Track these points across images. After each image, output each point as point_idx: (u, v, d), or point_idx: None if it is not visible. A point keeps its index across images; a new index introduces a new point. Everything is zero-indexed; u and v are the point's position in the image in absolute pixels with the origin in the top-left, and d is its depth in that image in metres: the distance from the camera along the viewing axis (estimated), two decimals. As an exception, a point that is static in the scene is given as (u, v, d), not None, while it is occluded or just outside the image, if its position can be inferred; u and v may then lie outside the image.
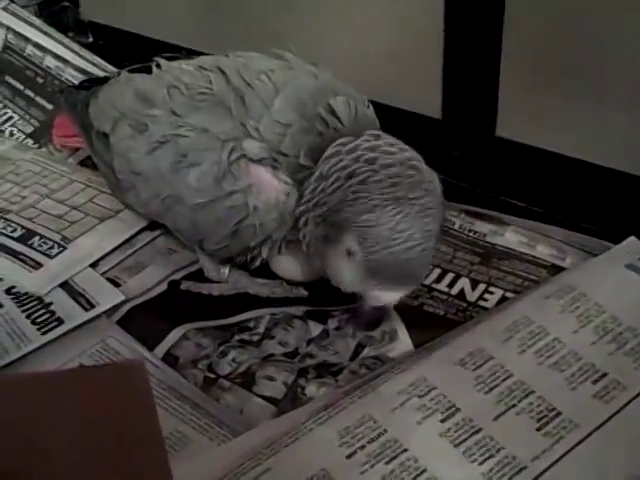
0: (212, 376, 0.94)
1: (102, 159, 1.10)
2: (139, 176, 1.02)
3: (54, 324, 1.00)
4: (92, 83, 1.20)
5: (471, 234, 1.14)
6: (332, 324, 1.01)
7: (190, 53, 1.13)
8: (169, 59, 1.07)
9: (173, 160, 0.96)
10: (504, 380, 0.85)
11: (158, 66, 1.05)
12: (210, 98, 0.96)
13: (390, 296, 0.90)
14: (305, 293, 1.05)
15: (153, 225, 1.15)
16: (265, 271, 1.07)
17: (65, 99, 1.23)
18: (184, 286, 1.07)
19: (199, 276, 1.08)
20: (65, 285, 1.07)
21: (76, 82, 1.39)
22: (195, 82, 0.98)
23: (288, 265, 1.05)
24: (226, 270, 1.06)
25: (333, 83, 0.97)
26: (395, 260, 0.85)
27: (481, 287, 1.05)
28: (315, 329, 1.00)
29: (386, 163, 0.87)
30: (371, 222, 0.85)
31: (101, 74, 1.41)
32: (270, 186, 0.93)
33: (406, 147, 0.90)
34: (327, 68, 1.00)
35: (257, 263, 1.01)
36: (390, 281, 0.88)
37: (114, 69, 1.43)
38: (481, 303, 1.03)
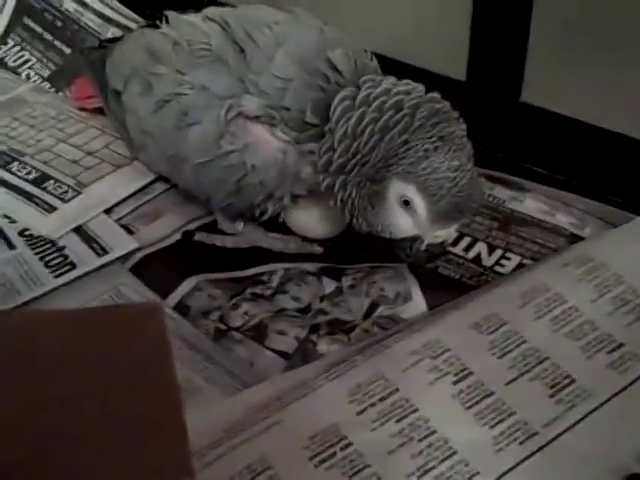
0: (224, 328, 0.94)
1: (117, 118, 1.10)
2: (147, 135, 1.02)
3: (67, 268, 0.99)
4: (111, 43, 1.18)
5: (490, 199, 1.13)
6: (346, 282, 1.00)
7: (213, 4, 1.11)
8: (181, 11, 1.05)
9: (175, 119, 0.96)
10: (518, 346, 0.85)
11: (167, 21, 1.03)
12: (209, 54, 0.95)
13: (449, 231, 0.90)
14: (320, 250, 1.05)
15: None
16: (281, 226, 1.06)
17: (85, 58, 1.21)
18: (198, 237, 1.07)
19: (213, 228, 1.08)
20: (79, 230, 1.06)
21: (95, 27, 1.37)
22: (195, 37, 0.97)
23: (304, 221, 1.04)
24: (241, 223, 1.06)
25: (339, 38, 0.95)
26: (456, 195, 0.85)
27: (498, 252, 1.04)
28: (329, 286, 0.99)
29: (413, 104, 0.87)
30: (429, 169, 0.84)
31: (121, 20, 1.39)
32: (267, 145, 0.92)
33: (407, 81, 0.90)
34: (337, 26, 0.98)
35: (265, 217, 1.00)
36: (453, 218, 0.88)
37: (134, 15, 1.41)
38: (497, 269, 1.02)
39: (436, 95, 0.89)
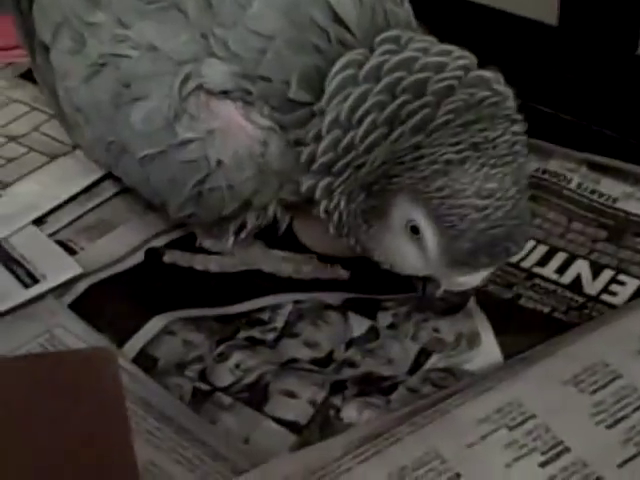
0: (206, 388, 0.94)
1: (45, 81, 1.12)
2: (79, 112, 1.03)
3: (-20, 304, 1.01)
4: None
5: (595, 197, 1.14)
6: (384, 320, 1.01)
7: None
8: None
9: (114, 91, 0.97)
10: (636, 410, 0.85)
11: None
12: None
13: (474, 278, 0.90)
14: (345, 274, 1.06)
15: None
16: (288, 238, 1.07)
17: None
18: (168, 258, 1.08)
19: (190, 244, 1.09)
20: (-3, 249, 1.09)
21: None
22: None
23: (317, 232, 1.05)
24: (230, 237, 1.07)
25: None
26: (485, 234, 0.84)
27: (607, 274, 1.05)
28: (358, 326, 1.00)
29: (442, 87, 0.85)
30: (447, 190, 0.84)
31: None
32: (240, 131, 0.93)
33: (451, 47, 0.89)
34: None
35: (243, 235, 1.01)
36: (477, 263, 0.87)
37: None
38: (606, 298, 1.03)
39: (487, 74, 0.87)
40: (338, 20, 0.90)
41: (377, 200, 0.88)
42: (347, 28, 0.90)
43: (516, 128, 0.86)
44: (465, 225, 0.83)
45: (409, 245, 0.89)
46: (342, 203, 0.91)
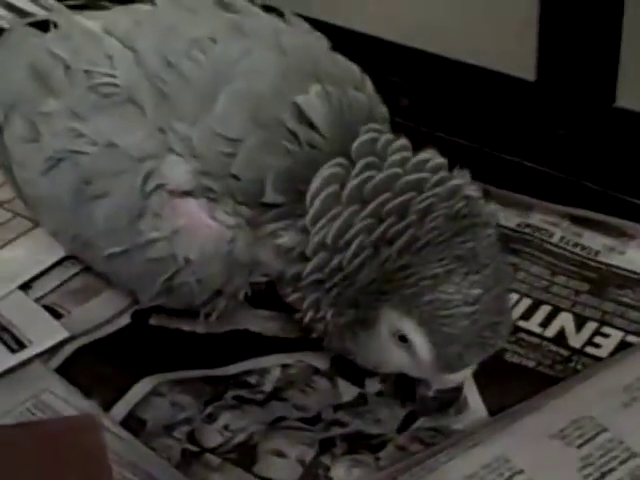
0: (194, 449, 0.94)
1: (0, 159, 1.09)
2: (39, 201, 1.04)
3: (-34, 370, 1.01)
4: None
5: (577, 250, 1.15)
6: (372, 386, 1.01)
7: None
8: (76, 7, 1.07)
9: (74, 187, 0.97)
10: (624, 462, 0.85)
11: (55, 24, 1.04)
12: (117, 92, 0.94)
13: (463, 374, 0.92)
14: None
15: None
16: (273, 299, 1.08)
17: None
18: (155, 321, 1.09)
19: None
20: (-17, 315, 1.09)
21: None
22: (95, 64, 0.96)
23: None
24: (202, 320, 1.07)
25: (312, 59, 0.94)
26: (475, 336, 0.87)
27: (591, 326, 1.05)
28: (347, 392, 1.01)
29: (424, 207, 0.87)
30: (436, 302, 0.86)
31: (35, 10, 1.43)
32: (205, 229, 0.92)
33: (425, 155, 0.90)
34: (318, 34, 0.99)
35: (213, 317, 1.00)
36: (467, 360, 0.89)
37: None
38: (590, 350, 1.03)
39: (459, 181, 0.89)
40: (306, 121, 0.90)
41: (365, 313, 0.89)
42: (316, 129, 0.90)
43: (490, 231, 0.89)
44: (456, 331, 0.86)
45: (398, 351, 0.90)
46: (328, 315, 0.91)
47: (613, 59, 1.28)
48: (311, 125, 0.90)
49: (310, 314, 0.92)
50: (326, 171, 0.88)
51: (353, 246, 0.87)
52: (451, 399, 0.95)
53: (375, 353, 0.92)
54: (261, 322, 1.07)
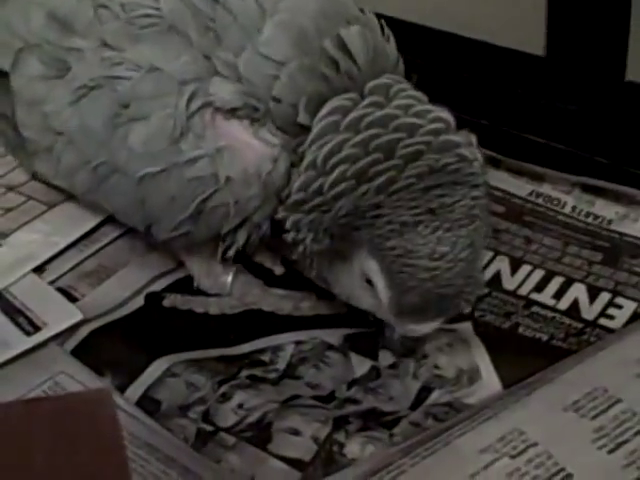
0: (209, 428, 0.95)
1: None
2: (58, 136, 1.03)
3: (-18, 354, 1.02)
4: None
5: (590, 220, 1.15)
6: (385, 359, 1.01)
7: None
8: None
9: (109, 113, 0.98)
10: (637, 434, 0.85)
11: None
12: (158, 22, 0.97)
13: (425, 327, 0.93)
14: (345, 308, 1.06)
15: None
16: (286, 279, 1.09)
17: None
18: (168, 302, 1.09)
19: (188, 286, 1.10)
20: (-2, 298, 1.09)
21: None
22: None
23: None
24: (229, 277, 1.08)
25: (346, 5, 0.98)
26: (433, 292, 0.88)
27: (604, 298, 1.06)
28: (360, 366, 1.01)
29: (410, 151, 0.88)
30: (400, 249, 0.88)
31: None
32: (248, 149, 0.94)
33: (431, 108, 0.91)
34: None
35: (231, 252, 1.01)
36: (424, 314, 0.91)
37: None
38: (603, 322, 1.03)
39: (456, 139, 0.90)
40: (347, 52, 0.93)
41: (339, 245, 0.91)
42: (355, 62, 0.93)
43: (476, 193, 0.89)
44: (414, 283, 0.88)
45: (365, 291, 0.92)
46: (308, 240, 0.93)
47: (623, 33, 1.26)
48: (350, 56, 0.93)
49: (292, 234, 0.94)
50: (335, 102, 0.91)
51: (335, 172, 0.89)
52: (414, 347, 0.98)
53: (348, 288, 0.95)
54: (275, 301, 1.08)
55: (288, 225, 0.94)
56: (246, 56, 0.93)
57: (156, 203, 0.98)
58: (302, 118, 0.92)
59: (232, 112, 0.94)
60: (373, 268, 0.89)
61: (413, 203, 0.87)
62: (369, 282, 0.91)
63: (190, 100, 0.93)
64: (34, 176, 1.17)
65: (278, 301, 1.08)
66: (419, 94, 0.93)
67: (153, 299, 1.10)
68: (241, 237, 0.99)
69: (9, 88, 1.06)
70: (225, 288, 1.08)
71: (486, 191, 0.91)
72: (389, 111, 0.90)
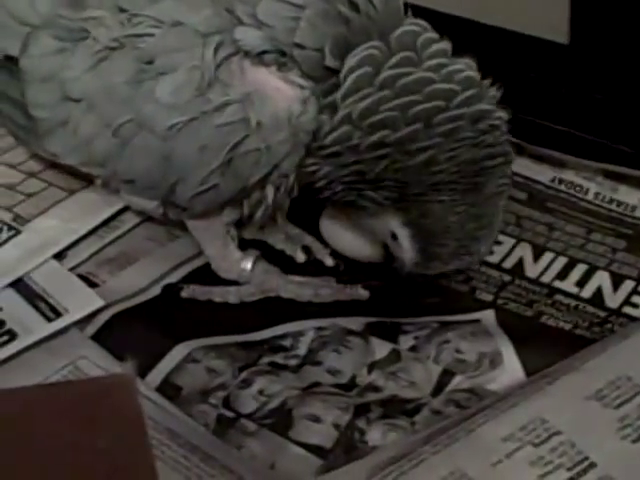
0: (230, 415, 0.95)
1: (3, 97, 1.11)
2: (77, 103, 1.02)
3: (4, 339, 1.02)
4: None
5: (613, 206, 1.14)
6: (405, 342, 1.01)
7: None
8: None
9: (133, 71, 0.98)
10: (662, 423, 0.85)
11: None
12: None
13: (434, 270, 0.99)
14: (365, 294, 1.07)
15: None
16: (304, 266, 1.09)
17: None
18: (186, 293, 1.09)
19: (206, 273, 1.10)
20: (19, 284, 1.09)
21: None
22: None
23: (346, 234, 1.08)
24: (248, 264, 1.08)
25: None
26: (454, 258, 0.96)
27: (628, 286, 1.05)
28: (380, 349, 1.01)
29: (449, 127, 0.90)
30: (428, 222, 0.94)
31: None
32: (278, 93, 0.94)
33: (458, 65, 0.93)
34: None
35: (259, 214, 1.02)
36: (437, 265, 0.97)
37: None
38: (627, 310, 1.03)
39: (487, 107, 0.93)
40: None
41: (366, 202, 0.95)
42: (372, 3, 0.94)
43: (504, 174, 0.94)
44: (438, 250, 0.95)
45: (388, 245, 1.00)
46: (339, 189, 0.96)
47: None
48: None
49: (322, 182, 0.97)
50: (362, 52, 0.92)
51: (376, 135, 0.91)
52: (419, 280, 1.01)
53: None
54: (294, 288, 1.07)
55: (321, 174, 0.96)
56: (264, 4, 0.94)
57: (184, 156, 0.97)
58: (329, 61, 0.93)
59: (259, 58, 0.94)
60: (402, 232, 0.96)
61: (450, 184, 0.91)
62: (394, 237, 0.97)
63: (217, 50, 0.94)
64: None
65: (297, 288, 1.08)
66: (444, 44, 0.95)
67: (170, 291, 1.10)
68: (269, 192, 0.99)
69: (18, 72, 1.06)
70: (244, 275, 1.08)
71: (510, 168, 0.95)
72: (423, 74, 0.91)
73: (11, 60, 1.07)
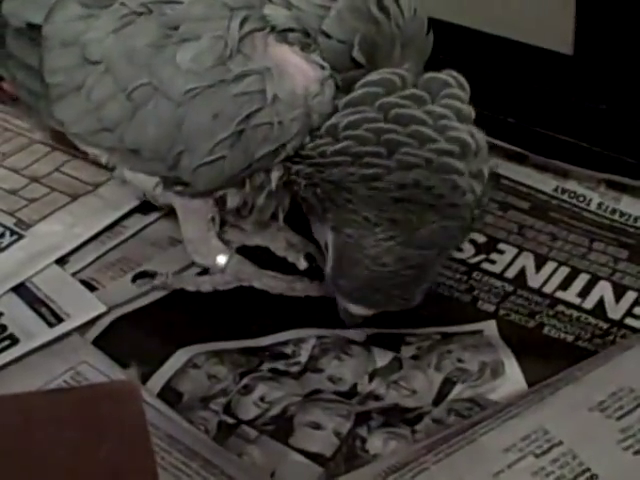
0: (231, 421, 0.94)
1: (20, 64, 1.11)
2: (95, 66, 1.02)
3: (6, 343, 1.02)
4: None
5: (616, 217, 1.14)
6: (407, 352, 1.01)
7: None
8: None
9: (156, 35, 0.98)
10: (664, 435, 0.84)
11: None
12: None
13: (358, 310, 0.98)
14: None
15: (147, 206, 1.17)
16: (282, 263, 1.11)
17: None
18: (159, 281, 1.09)
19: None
20: (21, 289, 1.09)
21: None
22: None
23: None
24: (224, 256, 1.09)
25: None
26: (368, 291, 0.95)
27: (630, 297, 1.05)
28: (382, 357, 1.01)
29: (407, 160, 0.89)
30: (352, 239, 0.93)
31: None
32: (298, 70, 0.95)
33: (461, 125, 0.90)
34: None
35: (260, 201, 1.02)
36: (358, 300, 0.97)
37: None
38: (629, 322, 1.02)
39: (462, 167, 0.89)
40: (396, 1, 0.96)
41: (320, 204, 0.96)
42: (401, 10, 0.96)
43: (451, 224, 0.91)
44: (354, 272, 0.94)
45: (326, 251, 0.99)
46: (301, 187, 0.98)
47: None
48: (398, 4, 0.96)
49: (293, 177, 0.98)
50: (387, 74, 0.93)
51: (343, 144, 0.92)
52: (352, 323, 1.02)
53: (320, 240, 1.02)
54: (267, 280, 1.09)
55: (292, 171, 0.97)
56: None
57: (196, 123, 0.97)
58: (357, 55, 0.94)
59: (284, 36, 0.95)
60: (329, 240, 0.97)
61: (383, 206, 0.90)
62: (325, 246, 0.98)
63: (243, 23, 0.94)
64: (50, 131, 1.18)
65: (271, 280, 1.09)
66: (466, 107, 0.92)
67: (143, 278, 1.10)
68: (274, 176, 0.99)
69: (37, 39, 1.07)
70: (219, 264, 1.09)
71: (472, 219, 0.92)
72: (418, 114, 0.90)
73: (32, 28, 1.08)
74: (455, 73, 0.93)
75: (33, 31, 1.08)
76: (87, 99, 1.03)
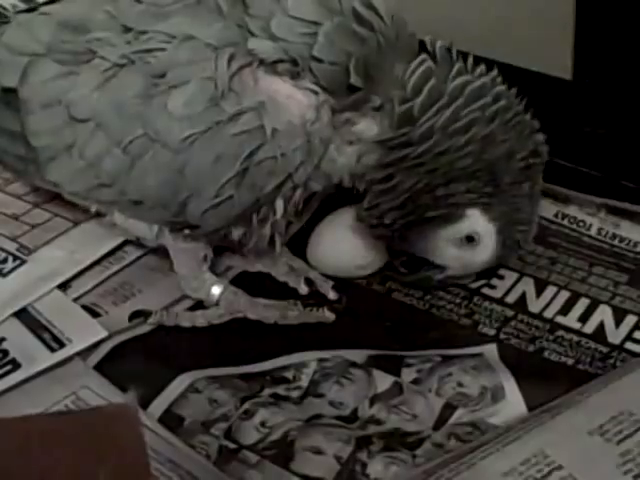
0: (232, 446, 0.94)
1: (1, 130, 1.10)
2: (84, 124, 1.02)
3: (7, 368, 1.02)
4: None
5: (616, 242, 1.14)
6: (408, 375, 1.01)
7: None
8: None
9: (143, 86, 0.98)
10: (664, 459, 0.84)
11: None
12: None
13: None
14: (331, 316, 1.08)
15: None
16: (270, 289, 1.11)
17: None
18: (154, 319, 1.09)
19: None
20: (23, 314, 1.09)
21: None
22: None
23: (327, 245, 1.12)
24: (218, 289, 1.09)
25: None
26: (527, 234, 1.05)
27: (630, 321, 1.05)
28: (382, 382, 1.00)
29: (517, 120, 1.00)
30: (515, 213, 1.02)
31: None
32: (291, 100, 0.96)
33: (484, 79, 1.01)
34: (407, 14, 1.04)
35: (266, 229, 1.03)
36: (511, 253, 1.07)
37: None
38: (630, 346, 1.02)
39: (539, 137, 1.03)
40: (375, 12, 0.98)
41: (446, 208, 1.01)
42: (383, 20, 0.98)
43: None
44: (517, 237, 1.03)
45: (457, 252, 1.04)
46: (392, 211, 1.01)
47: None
48: (379, 15, 0.98)
49: (370, 213, 1.03)
50: (420, 66, 0.98)
51: (464, 138, 0.97)
52: (446, 284, 1.10)
53: (439, 254, 1.06)
54: (261, 310, 1.08)
55: (395, 181, 1.00)
56: (277, 20, 0.96)
57: (198, 168, 0.97)
58: (354, 80, 0.96)
59: (272, 68, 0.96)
60: (486, 229, 1.02)
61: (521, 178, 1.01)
62: (469, 240, 1.02)
63: (230, 61, 0.95)
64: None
65: (264, 311, 1.08)
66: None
67: (139, 317, 1.10)
68: (279, 206, 1.00)
69: (16, 104, 1.06)
70: (213, 295, 1.09)
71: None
72: (483, 80, 1.00)
73: (8, 92, 1.07)
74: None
75: (9, 95, 1.07)
76: (80, 157, 1.03)
